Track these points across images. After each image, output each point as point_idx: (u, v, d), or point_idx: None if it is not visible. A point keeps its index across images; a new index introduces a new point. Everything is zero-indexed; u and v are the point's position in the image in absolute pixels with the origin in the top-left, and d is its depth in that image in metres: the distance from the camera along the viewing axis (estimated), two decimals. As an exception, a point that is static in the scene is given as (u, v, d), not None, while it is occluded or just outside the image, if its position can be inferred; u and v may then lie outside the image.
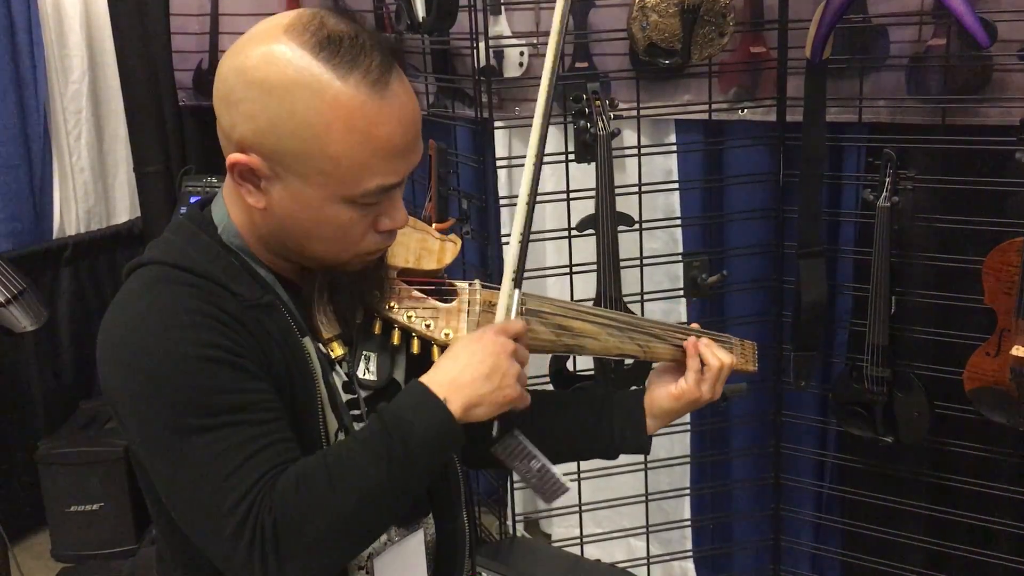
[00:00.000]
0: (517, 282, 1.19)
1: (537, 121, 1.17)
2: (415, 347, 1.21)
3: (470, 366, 1.09)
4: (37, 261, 3.39)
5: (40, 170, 3.41)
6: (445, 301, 1.23)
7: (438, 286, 1.24)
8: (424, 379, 1.09)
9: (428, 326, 1.20)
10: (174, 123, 3.51)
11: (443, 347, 1.20)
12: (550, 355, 2.23)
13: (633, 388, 1.44)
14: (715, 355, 1.36)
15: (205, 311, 1.05)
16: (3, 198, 3.30)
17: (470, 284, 1.26)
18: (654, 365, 1.45)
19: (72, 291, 3.54)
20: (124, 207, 3.73)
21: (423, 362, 1.20)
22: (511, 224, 1.21)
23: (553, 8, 1.18)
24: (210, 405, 1.02)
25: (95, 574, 3.17)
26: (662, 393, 1.37)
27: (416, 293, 1.22)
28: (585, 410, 1.41)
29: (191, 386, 1.02)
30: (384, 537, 1.21)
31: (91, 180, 3.60)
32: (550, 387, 2.28)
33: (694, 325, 1.43)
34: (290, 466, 1.03)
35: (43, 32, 3.35)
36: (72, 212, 3.55)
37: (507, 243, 1.27)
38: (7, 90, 3.26)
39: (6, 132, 3.27)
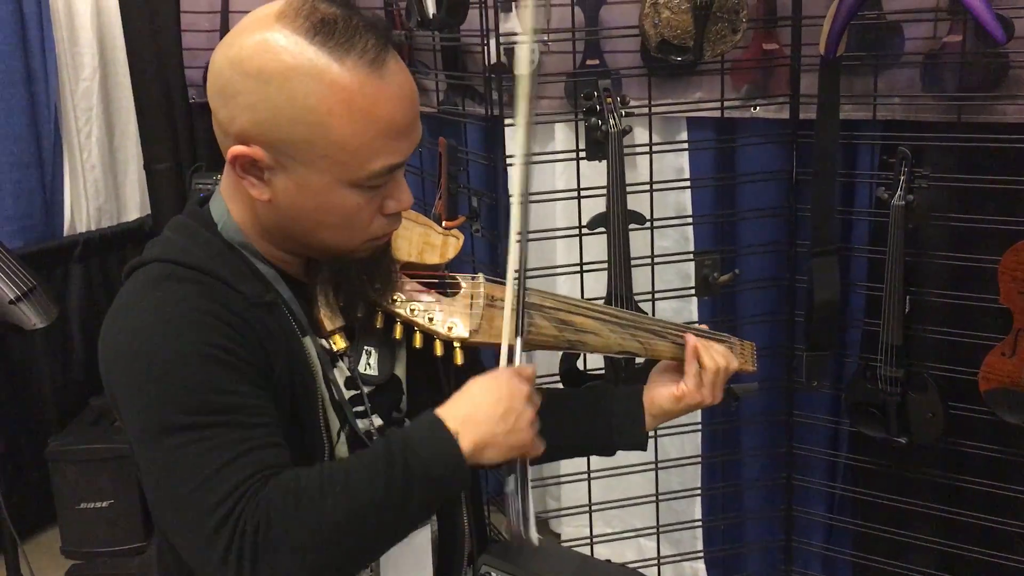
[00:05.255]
0: (519, 330, 1.16)
1: (521, 121, 1.14)
2: (417, 341, 1.19)
3: (485, 404, 1.07)
4: (48, 258, 3.40)
5: (51, 167, 3.42)
6: (448, 295, 1.22)
7: (441, 280, 1.23)
8: (439, 411, 1.07)
9: (431, 319, 1.19)
10: (184, 121, 3.51)
11: (445, 341, 1.19)
12: (560, 354, 2.22)
13: (634, 385, 1.43)
14: (713, 358, 1.35)
15: (208, 309, 1.04)
16: (14, 195, 3.30)
17: (473, 278, 1.25)
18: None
19: (82, 288, 3.54)
20: (135, 204, 3.74)
21: (425, 357, 1.19)
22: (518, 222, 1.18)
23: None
24: (203, 403, 1.00)
25: (104, 571, 3.18)
26: (663, 393, 1.37)
27: (419, 287, 1.21)
28: (584, 406, 1.40)
29: (186, 383, 1.00)
30: None
31: (102, 177, 3.60)
32: (559, 386, 2.27)
33: (703, 326, 1.42)
34: (282, 471, 1.00)
35: (54, 30, 3.35)
36: (83, 209, 3.55)
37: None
38: (18, 88, 3.26)
39: (17, 129, 3.27)
